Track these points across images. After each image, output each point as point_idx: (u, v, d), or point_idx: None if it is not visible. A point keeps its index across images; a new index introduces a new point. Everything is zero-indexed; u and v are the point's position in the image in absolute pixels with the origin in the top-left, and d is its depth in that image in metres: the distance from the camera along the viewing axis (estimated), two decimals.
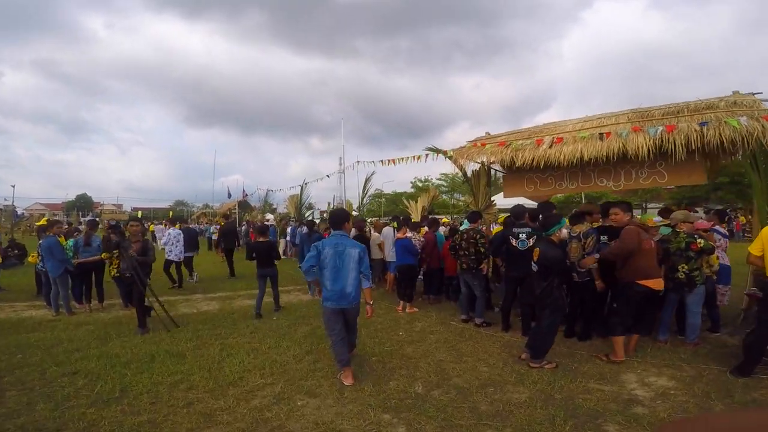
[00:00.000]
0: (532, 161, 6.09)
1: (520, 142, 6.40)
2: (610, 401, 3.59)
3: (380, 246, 9.00)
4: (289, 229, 14.59)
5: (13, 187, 35.00)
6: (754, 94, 5.43)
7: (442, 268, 7.42)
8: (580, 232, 5.21)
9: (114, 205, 75.92)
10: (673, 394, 3.72)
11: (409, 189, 41.68)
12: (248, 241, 8.89)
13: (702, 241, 4.87)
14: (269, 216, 19.66)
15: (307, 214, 17.88)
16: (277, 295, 7.18)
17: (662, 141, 5.25)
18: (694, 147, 5.14)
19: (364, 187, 12.37)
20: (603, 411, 3.41)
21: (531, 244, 5.36)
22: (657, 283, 4.36)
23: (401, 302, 7.11)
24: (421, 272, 7.76)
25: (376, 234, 9.16)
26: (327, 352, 4.73)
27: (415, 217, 9.57)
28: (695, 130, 5.07)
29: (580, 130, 6.09)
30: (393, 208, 39.96)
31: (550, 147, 6.02)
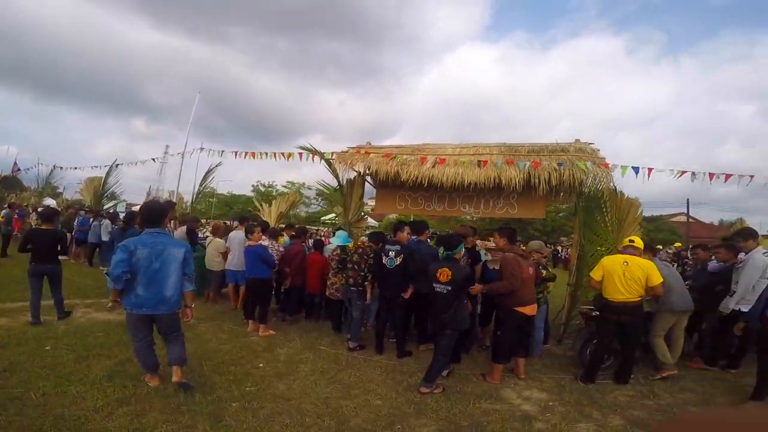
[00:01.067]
0: (415, 179, 6.00)
1: (405, 156, 6.27)
2: (511, 420, 3.65)
3: (224, 255, 7.61)
4: (76, 221, 11.00)
5: None
6: (590, 144, 6.57)
7: (304, 285, 6.65)
8: None
9: None
10: (553, 405, 4.02)
11: (248, 193, 38.52)
12: (30, 229, 6.42)
13: (545, 271, 5.59)
14: (50, 201, 14.78)
15: (108, 205, 13.93)
16: (60, 300, 5.78)
17: (530, 175, 5.83)
18: (549, 184, 5.87)
19: (204, 179, 10.25)
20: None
21: (398, 262, 5.15)
22: (532, 309, 4.64)
23: (249, 322, 6.03)
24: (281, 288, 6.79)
25: (218, 240, 7.70)
26: (152, 397, 3.52)
27: (270, 222, 8.46)
28: (555, 169, 5.80)
29: (459, 154, 6.31)
30: (226, 210, 36.06)
31: (433, 167, 6.05)
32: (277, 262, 6.24)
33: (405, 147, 6.83)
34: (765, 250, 5.04)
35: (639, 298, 4.57)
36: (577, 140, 6.51)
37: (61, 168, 14.89)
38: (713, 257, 6.31)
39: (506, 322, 4.54)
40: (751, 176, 6.75)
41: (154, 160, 14.15)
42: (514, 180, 5.78)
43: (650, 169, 6.36)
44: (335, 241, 6.24)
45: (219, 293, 7.98)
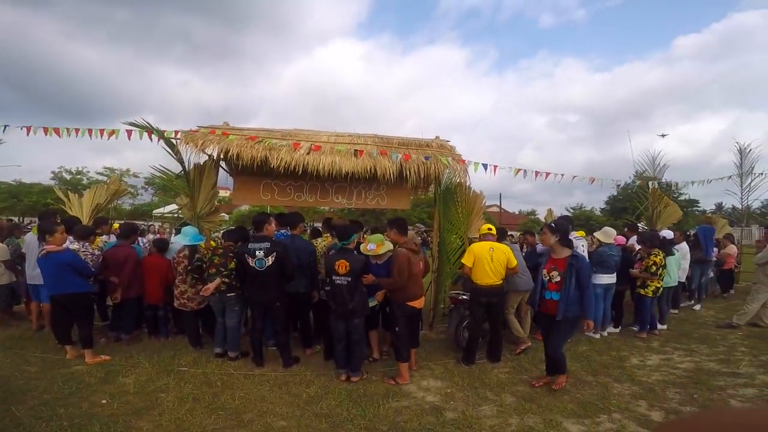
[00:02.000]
0: (287, 166, 5.45)
1: (275, 141, 5.63)
2: (424, 415, 3.64)
3: (6, 263, 5.62)
4: None
5: None
6: (448, 141, 7.06)
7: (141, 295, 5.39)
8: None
9: None
10: (452, 392, 4.16)
11: (48, 180, 29.22)
12: None
13: None
14: None
15: None
16: None
17: (401, 167, 5.95)
18: (418, 176, 6.13)
19: None
20: (432, 426, 3.42)
21: (270, 262, 4.52)
22: (420, 302, 4.70)
23: (67, 348, 4.66)
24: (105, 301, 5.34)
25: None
26: None
27: (82, 219, 6.40)
28: (423, 162, 6.06)
29: (335, 143, 6.01)
30: (12, 203, 26.83)
31: (308, 153, 5.61)
32: (94, 269, 4.85)
33: (274, 131, 6.13)
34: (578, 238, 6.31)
35: (502, 281, 5.12)
36: (437, 137, 6.95)
37: None
38: (539, 241, 7.65)
39: (399, 317, 4.48)
40: (562, 174, 8.46)
41: None
42: (388, 171, 5.82)
43: (495, 166, 7.28)
44: (181, 240, 5.22)
45: (9, 313, 5.90)
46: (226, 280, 4.75)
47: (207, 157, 5.92)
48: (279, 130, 6.22)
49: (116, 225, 8.28)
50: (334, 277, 4.21)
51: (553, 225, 4.14)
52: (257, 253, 4.49)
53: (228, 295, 4.78)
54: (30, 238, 5.47)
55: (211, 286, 4.72)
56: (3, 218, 8.41)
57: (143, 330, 5.64)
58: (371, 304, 4.49)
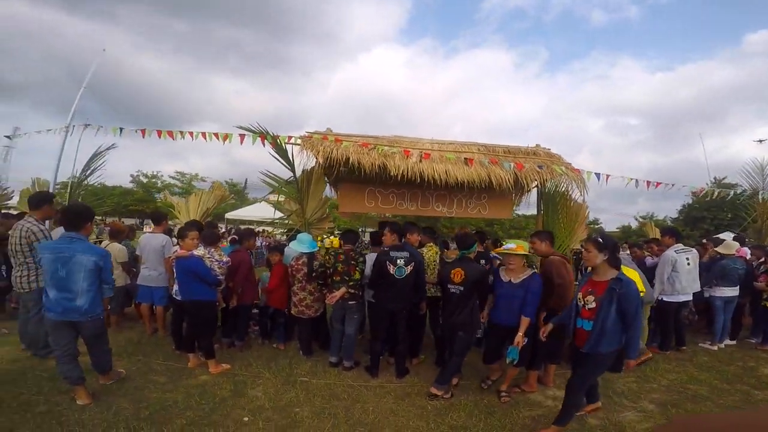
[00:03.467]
0: (404, 174, 5.20)
1: (385, 148, 5.42)
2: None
3: (123, 265, 5.75)
4: None
5: None
6: (548, 149, 6.60)
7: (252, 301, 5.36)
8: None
9: None
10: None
11: (127, 184, 31.58)
12: None
13: None
14: None
15: None
16: None
17: (516, 176, 5.56)
18: (526, 185, 5.73)
19: (89, 164, 7.33)
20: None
21: (409, 271, 4.43)
22: None
23: (190, 356, 4.60)
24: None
25: (117, 246, 5.77)
26: None
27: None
28: (537, 171, 5.65)
29: (439, 150, 5.73)
30: (98, 204, 29.15)
31: (420, 161, 5.35)
32: (221, 278, 4.65)
33: (378, 137, 5.94)
34: (679, 248, 5.72)
35: None
36: (538, 145, 6.50)
37: None
38: (647, 254, 7.00)
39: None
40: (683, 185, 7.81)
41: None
42: (504, 180, 5.46)
43: (608, 176, 6.71)
44: (298, 248, 5.05)
45: (122, 315, 6.06)
46: (352, 290, 4.58)
47: (314, 164, 5.79)
48: (372, 136, 5.97)
49: None
50: (448, 286, 4.10)
51: (600, 240, 3.31)
52: (398, 261, 4.39)
53: (350, 302, 4.63)
54: (144, 240, 5.55)
55: (338, 294, 4.60)
56: (121, 221, 8.66)
57: (250, 336, 5.60)
58: (508, 360, 3.98)
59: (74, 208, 3.75)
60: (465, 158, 5.58)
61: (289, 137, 5.82)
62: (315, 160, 5.56)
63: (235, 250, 5.35)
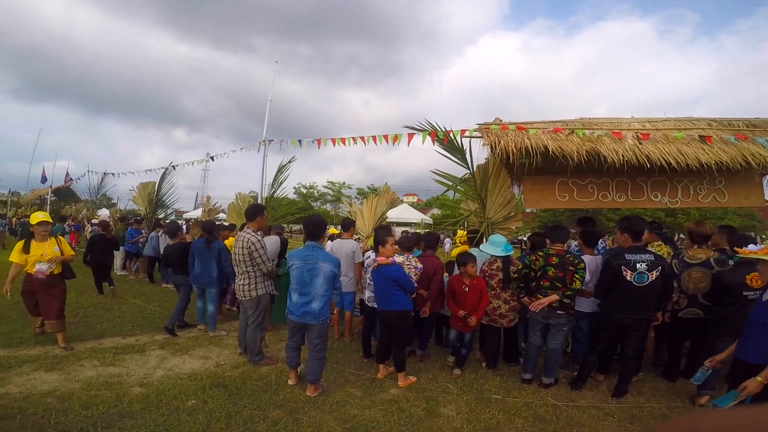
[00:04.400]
0: (622, 160, 4.21)
1: (587, 132, 4.51)
2: None
3: None
4: (127, 233, 9.50)
5: None
6: None
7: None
8: (709, 258, 3.70)
9: None
10: None
11: (291, 195, 36.85)
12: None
13: None
14: (104, 211, 13.42)
15: (161, 215, 12.18)
16: (177, 311, 5.47)
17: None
18: None
19: (278, 175, 8.31)
20: None
21: (653, 278, 3.57)
22: None
23: (380, 367, 4.35)
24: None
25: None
26: None
27: (365, 228, 6.71)
28: None
29: (658, 129, 4.53)
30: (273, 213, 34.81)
31: (639, 143, 4.27)
32: (416, 285, 4.36)
33: (549, 122, 5.02)
34: None
35: None
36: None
37: (113, 174, 13.53)
38: None
39: None
40: None
41: (192, 164, 11.89)
42: (763, 159, 4.01)
43: None
44: (490, 250, 4.45)
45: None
46: (567, 300, 3.84)
47: (490, 157, 5.17)
48: (560, 120, 5.04)
49: (333, 230, 8.28)
50: (744, 293, 3.41)
51: None
52: (638, 266, 3.59)
53: (558, 312, 3.89)
54: (335, 246, 5.66)
55: (545, 300, 3.90)
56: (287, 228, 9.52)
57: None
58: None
59: (313, 219, 3.97)
60: (700, 136, 4.26)
61: (463, 131, 5.34)
62: (491, 153, 4.94)
63: (427, 256, 5.04)
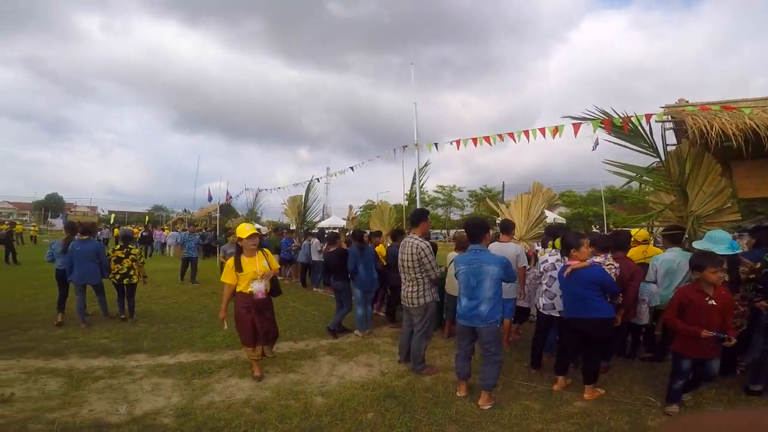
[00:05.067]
0: None
1: None
2: None
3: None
4: (283, 241, 10.43)
5: None
6: None
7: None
8: None
9: (88, 207, 72.49)
10: None
11: (402, 201, 37.83)
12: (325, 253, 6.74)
13: None
14: (258, 225, 15.38)
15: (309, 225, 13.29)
16: (340, 315, 5.66)
17: None
18: None
19: (420, 175, 8.17)
20: None
21: None
22: None
23: (558, 379, 3.83)
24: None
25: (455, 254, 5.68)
26: None
27: (519, 230, 6.12)
28: None
29: None
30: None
31: None
32: (617, 288, 3.74)
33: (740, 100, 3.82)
34: None
35: None
36: None
37: (266, 190, 15.39)
38: None
39: None
40: None
41: (318, 179, 12.50)
42: None
43: None
44: (714, 249, 3.44)
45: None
46: None
47: (684, 143, 4.19)
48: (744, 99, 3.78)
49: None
50: None
51: None
52: None
53: None
54: (496, 249, 5.21)
55: None
56: (461, 232, 9.22)
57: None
58: None
59: (474, 222, 3.84)
60: None
61: (648, 115, 4.43)
62: (691, 137, 3.96)
63: (619, 258, 4.29)
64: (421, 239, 4.17)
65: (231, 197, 18.25)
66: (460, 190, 35.41)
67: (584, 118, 4.84)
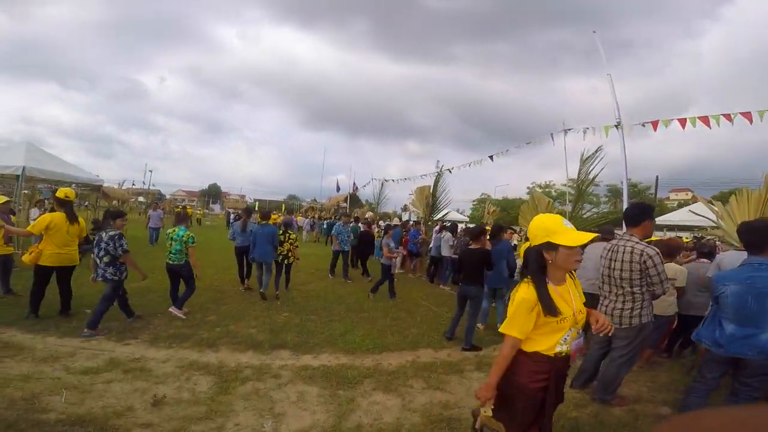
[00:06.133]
0: None
1: None
2: None
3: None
4: (410, 233, 9.90)
5: (151, 171, 35.88)
6: None
7: None
8: None
9: (239, 195, 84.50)
10: None
11: (524, 196, 35.00)
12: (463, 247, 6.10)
13: None
14: (369, 213, 15.53)
15: (405, 216, 12.86)
16: (469, 329, 4.77)
17: None
18: None
19: (587, 162, 6.81)
20: None
21: None
22: None
23: None
24: None
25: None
26: None
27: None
28: None
29: None
30: (503, 216, 34.24)
31: None
32: None
33: None
34: None
35: None
36: None
37: (393, 181, 15.40)
38: None
39: None
40: None
41: (450, 170, 11.68)
42: None
43: None
44: None
45: (658, 349, 4.77)
46: None
47: None
48: None
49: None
50: None
51: None
52: None
53: None
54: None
55: None
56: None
57: None
58: None
59: (756, 225, 2.95)
60: None
61: None
62: None
63: None
64: (646, 244, 3.20)
65: (357, 188, 18.67)
66: (597, 185, 30.97)
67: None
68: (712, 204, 5.38)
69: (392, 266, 7.13)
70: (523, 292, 1.83)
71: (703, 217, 6.01)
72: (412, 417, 3.09)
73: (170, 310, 5.14)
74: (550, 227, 1.82)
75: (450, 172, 10.64)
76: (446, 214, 13.63)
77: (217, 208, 46.59)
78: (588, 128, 6.66)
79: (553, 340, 1.84)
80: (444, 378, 3.84)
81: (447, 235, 8.24)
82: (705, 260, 4.80)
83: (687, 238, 12.87)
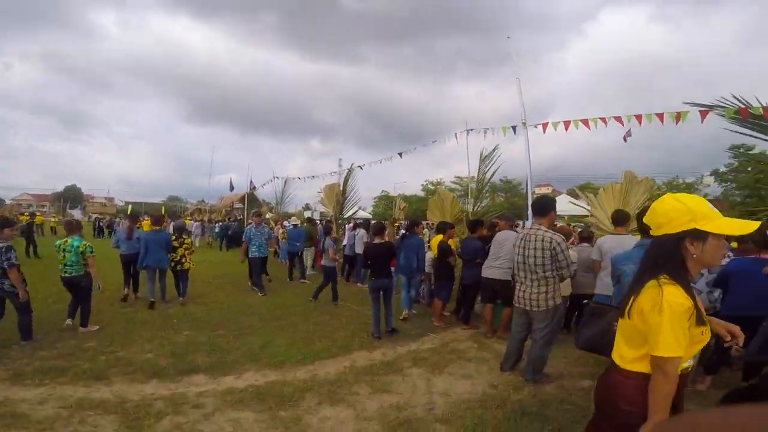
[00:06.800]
0: None
1: None
2: None
3: None
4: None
5: None
6: None
7: None
8: None
9: (105, 198, 73.46)
10: None
11: (419, 193, 36.19)
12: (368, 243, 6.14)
13: None
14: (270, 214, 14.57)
15: (307, 214, 12.54)
16: (389, 315, 5.00)
17: None
18: None
19: (485, 160, 7.29)
20: None
21: None
22: None
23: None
24: None
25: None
26: None
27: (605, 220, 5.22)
28: None
29: None
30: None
31: None
32: None
33: None
34: None
35: None
36: None
37: (299, 179, 14.58)
38: None
39: None
40: None
41: (361, 167, 11.74)
42: None
43: None
44: None
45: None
46: None
47: None
48: None
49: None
50: None
51: None
52: None
53: None
54: (605, 242, 4.33)
55: None
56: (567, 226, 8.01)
57: None
58: None
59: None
60: None
61: None
62: None
63: None
64: (554, 232, 3.48)
65: (255, 187, 17.35)
66: (479, 183, 34.12)
67: (714, 106, 4.08)
68: (587, 196, 6.16)
69: (335, 269, 6.85)
70: (675, 296, 1.30)
71: (580, 206, 6.97)
72: (370, 426, 2.78)
73: (81, 329, 4.62)
74: (697, 211, 1.32)
75: (361, 168, 10.51)
76: (356, 212, 13.47)
77: (77, 213, 39.06)
78: (488, 128, 7.11)
79: (688, 356, 1.38)
80: (386, 379, 3.61)
81: (361, 232, 8.03)
82: (586, 244, 5.42)
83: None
